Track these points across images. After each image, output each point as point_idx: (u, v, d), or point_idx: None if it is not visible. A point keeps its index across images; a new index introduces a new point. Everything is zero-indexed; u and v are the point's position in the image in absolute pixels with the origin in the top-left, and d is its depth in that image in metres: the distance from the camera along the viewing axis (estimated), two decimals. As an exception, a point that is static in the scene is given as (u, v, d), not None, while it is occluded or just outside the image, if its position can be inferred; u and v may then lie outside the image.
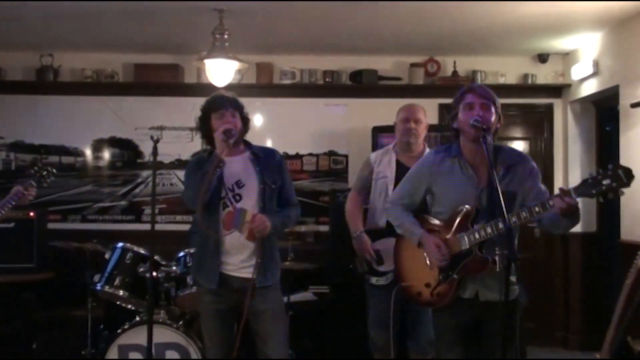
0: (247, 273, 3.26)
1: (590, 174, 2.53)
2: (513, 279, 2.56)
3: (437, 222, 3.00)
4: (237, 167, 3.34)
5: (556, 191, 2.64)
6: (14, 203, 3.64)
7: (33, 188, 3.68)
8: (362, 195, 4.13)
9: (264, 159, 3.38)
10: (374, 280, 3.98)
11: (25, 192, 3.64)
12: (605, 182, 2.47)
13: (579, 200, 2.59)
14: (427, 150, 4.00)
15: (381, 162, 4.04)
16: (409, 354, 4.11)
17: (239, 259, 3.29)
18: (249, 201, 3.29)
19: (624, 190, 2.48)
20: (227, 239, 3.27)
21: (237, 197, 3.29)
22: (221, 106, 3.31)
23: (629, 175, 2.45)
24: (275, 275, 3.39)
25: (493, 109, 2.87)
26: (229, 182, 3.29)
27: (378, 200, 3.98)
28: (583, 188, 2.53)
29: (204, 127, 3.35)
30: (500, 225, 2.68)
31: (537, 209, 2.65)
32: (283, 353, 3.36)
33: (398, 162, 3.97)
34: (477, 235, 2.80)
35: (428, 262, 2.99)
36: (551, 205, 2.59)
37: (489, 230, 2.75)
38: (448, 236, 2.91)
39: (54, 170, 3.90)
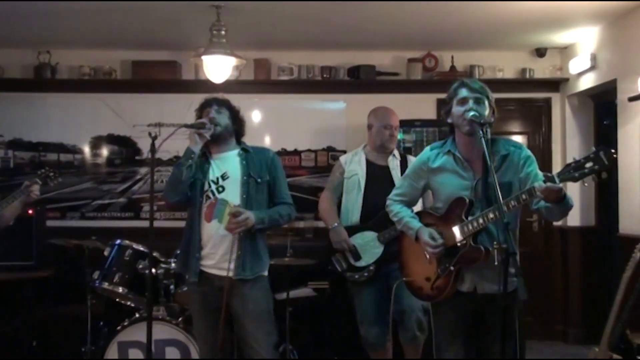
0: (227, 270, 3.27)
1: (574, 158, 2.54)
2: (511, 270, 2.57)
3: (436, 216, 3.03)
4: (225, 161, 3.42)
5: None
6: (18, 198, 3.72)
7: (37, 185, 3.78)
8: (335, 194, 4.32)
9: (253, 154, 3.45)
10: (355, 276, 4.11)
11: (30, 188, 3.73)
12: (587, 165, 2.47)
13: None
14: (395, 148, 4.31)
15: (352, 162, 4.29)
16: (403, 346, 4.16)
17: (218, 254, 3.29)
18: (233, 193, 3.33)
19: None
20: (205, 230, 3.31)
21: (221, 189, 3.35)
22: (206, 105, 3.46)
23: (609, 156, 2.44)
24: (258, 271, 3.36)
25: (487, 103, 2.89)
26: (214, 175, 3.37)
27: (350, 196, 4.20)
28: (566, 172, 2.53)
29: None
30: (491, 215, 2.71)
31: (523, 196, 2.67)
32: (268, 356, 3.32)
33: (367, 161, 4.24)
34: (470, 227, 2.82)
35: (427, 256, 3.01)
36: (536, 191, 2.60)
37: (480, 221, 2.78)
38: (444, 229, 2.94)
39: (58, 173, 4.00)
